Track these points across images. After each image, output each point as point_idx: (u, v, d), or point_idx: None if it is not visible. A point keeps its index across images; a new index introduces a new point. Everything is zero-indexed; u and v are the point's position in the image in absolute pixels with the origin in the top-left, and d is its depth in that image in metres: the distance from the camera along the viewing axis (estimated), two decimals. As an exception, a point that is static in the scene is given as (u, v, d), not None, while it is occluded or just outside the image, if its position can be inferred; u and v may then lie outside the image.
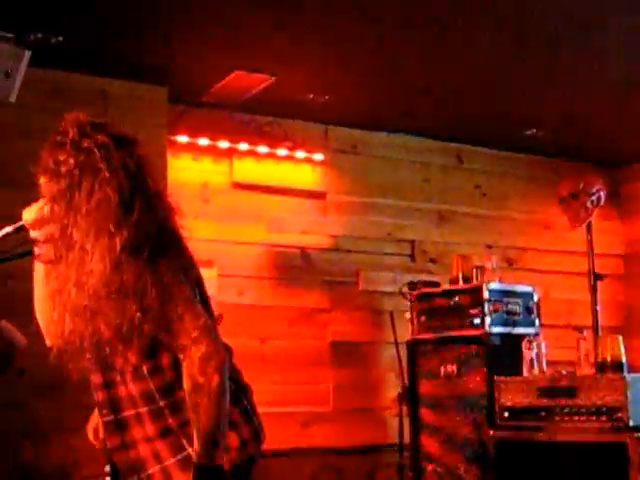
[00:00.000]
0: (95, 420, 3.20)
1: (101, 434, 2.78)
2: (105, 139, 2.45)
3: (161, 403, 2.48)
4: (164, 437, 2.49)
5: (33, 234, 2.54)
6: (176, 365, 2.43)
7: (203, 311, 2.44)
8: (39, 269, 2.62)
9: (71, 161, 2.43)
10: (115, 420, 2.55)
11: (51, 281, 2.55)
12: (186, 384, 2.35)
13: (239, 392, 2.59)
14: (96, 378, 2.57)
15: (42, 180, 2.52)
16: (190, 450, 2.41)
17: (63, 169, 2.45)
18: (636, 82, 5.92)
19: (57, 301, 2.51)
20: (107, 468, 2.98)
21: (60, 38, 4.73)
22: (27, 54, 4.56)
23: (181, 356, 2.38)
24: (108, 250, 2.33)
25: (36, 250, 2.58)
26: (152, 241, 2.40)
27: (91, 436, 3.24)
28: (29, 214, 2.53)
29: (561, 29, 5.00)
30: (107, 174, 2.40)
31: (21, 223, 2.53)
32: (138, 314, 2.35)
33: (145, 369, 2.47)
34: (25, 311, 2.73)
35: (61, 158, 2.46)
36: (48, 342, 2.63)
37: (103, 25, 4.73)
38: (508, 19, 4.81)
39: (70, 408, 4.10)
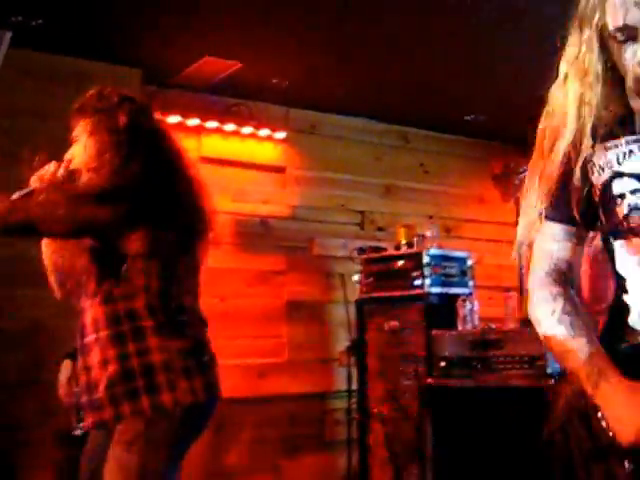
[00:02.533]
0: (66, 372, 3.26)
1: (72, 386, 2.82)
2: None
3: (125, 327, 2.44)
4: (121, 361, 2.42)
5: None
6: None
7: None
8: None
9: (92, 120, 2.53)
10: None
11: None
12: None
13: (201, 348, 2.55)
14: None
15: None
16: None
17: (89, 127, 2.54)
18: None
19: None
20: (78, 419, 2.83)
21: (40, 21, 4.50)
22: (8, 35, 4.39)
23: None
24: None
25: None
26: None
27: (62, 391, 3.26)
28: (38, 178, 2.53)
29: (496, 19, 4.82)
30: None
31: (30, 189, 2.49)
32: None
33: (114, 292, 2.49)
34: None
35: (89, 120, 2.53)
36: (58, 295, 2.67)
37: (82, 9, 4.49)
38: (447, 10, 4.65)
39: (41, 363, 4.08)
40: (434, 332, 5.21)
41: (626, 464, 1.53)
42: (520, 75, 5.69)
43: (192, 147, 5.76)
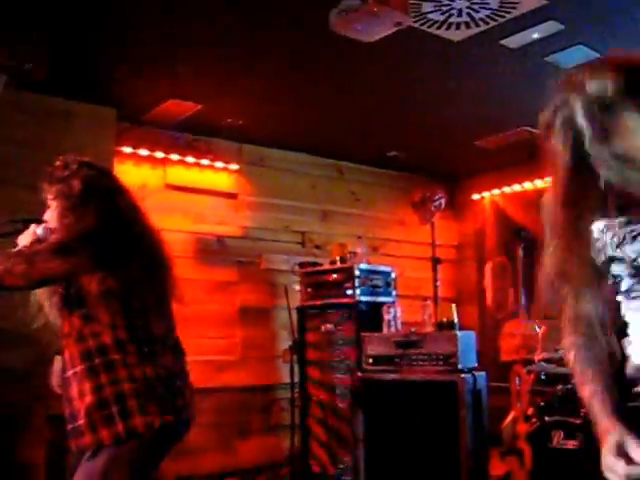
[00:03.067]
0: (57, 365, 3.16)
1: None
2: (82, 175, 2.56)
3: (96, 361, 2.40)
4: (96, 392, 2.38)
5: None
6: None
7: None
8: None
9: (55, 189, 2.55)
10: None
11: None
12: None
13: (171, 374, 2.51)
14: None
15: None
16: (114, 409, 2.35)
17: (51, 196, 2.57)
18: (465, 127, 6.17)
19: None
20: None
21: (30, 66, 4.52)
22: (3, 78, 4.50)
23: None
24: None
25: None
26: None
27: (54, 382, 3.24)
28: (24, 239, 2.52)
29: (420, 77, 5.10)
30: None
31: (18, 248, 2.50)
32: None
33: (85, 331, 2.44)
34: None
35: (52, 188, 2.56)
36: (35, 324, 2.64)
37: (67, 58, 4.61)
38: (377, 64, 4.83)
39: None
40: (363, 334, 5.30)
41: None
42: (434, 122, 6.05)
43: (159, 176, 5.97)
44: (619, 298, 1.58)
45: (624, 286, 1.55)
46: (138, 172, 5.84)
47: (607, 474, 1.41)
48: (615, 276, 1.56)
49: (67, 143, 4.85)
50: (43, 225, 2.53)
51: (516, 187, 7.37)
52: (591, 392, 1.56)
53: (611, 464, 1.40)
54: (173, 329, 2.64)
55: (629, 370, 1.59)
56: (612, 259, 1.55)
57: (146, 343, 2.48)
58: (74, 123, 5.12)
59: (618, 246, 1.53)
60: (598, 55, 4.58)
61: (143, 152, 5.83)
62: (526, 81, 5.12)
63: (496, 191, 7.60)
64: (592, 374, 1.59)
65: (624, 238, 1.52)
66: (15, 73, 4.52)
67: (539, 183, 6.95)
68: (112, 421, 2.32)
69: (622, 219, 1.52)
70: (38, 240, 2.49)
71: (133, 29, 4.26)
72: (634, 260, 1.51)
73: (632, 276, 1.52)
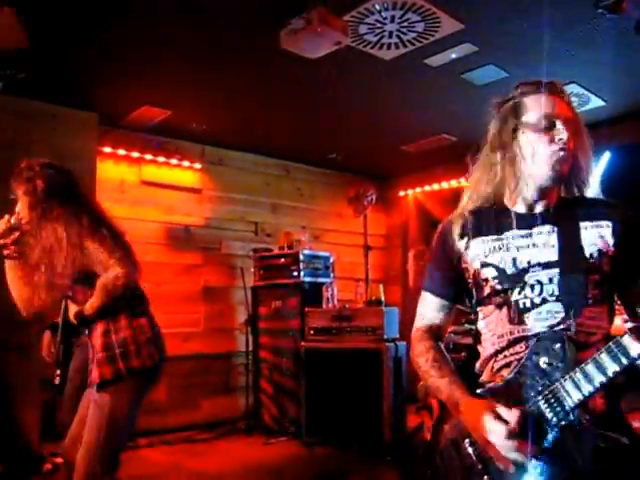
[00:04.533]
0: (47, 339, 3.43)
1: (51, 349, 2.71)
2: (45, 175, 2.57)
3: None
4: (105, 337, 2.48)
5: (3, 241, 2.53)
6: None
7: (118, 249, 2.50)
8: (9, 264, 2.58)
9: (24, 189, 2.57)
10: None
11: (20, 271, 2.55)
12: (98, 284, 2.45)
13: (153, 323, 2.64)
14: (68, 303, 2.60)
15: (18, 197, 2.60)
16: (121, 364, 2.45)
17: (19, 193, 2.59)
18: (393, 134, 6.18)
19: (28, 282, 2.52)
20: (57, 372, 2.82)
21: (23, 75, 4.49)
22: None
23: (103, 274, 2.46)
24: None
25: (5, 251, 2.55)
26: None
27: (44, 353, 3.46)
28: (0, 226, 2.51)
29: (357, 91, 5.11)
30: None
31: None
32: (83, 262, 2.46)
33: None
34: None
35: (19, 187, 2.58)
36: (24, 313, 2.59)
37: (56, 69, 4.57)
38: (320, 81, 4.78)
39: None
40: (306, 309, 5.38)
41: (485, 478, 1.54)
42: (367, 129, 6.02)
43: (135, 173, 5.88)
44: (479, 309, 1.71)
45: (486, 291, 1.66)
46: (117, 170, 5.79)
47: (490, 437, 1.46)
48: (484, 279, 1.67)
49: (54, 144, 4.75)
50: (15, 215, 2.54)
51: (435, 186, 7.41)
52: (450, 381, 1.64)
53: (492, 427, 1.46)
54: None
55: (477, 365, 1.73)
56: (484, 264, 1.67)
57: (140, 299, 2.62)
58: (60, 126, 5.00)
59: (487, 255, 1.68)
60: (506, 74, 4.66)
61: (121, 152, 5.79)
62: (445, 95, 5.17)
63: (418, 189, 7.63)
64: (448, 370, 1.68)
65: (493, 249, 1.67)
66: (7, 79, 4.44)
67: (453, 183, 7.06)
68: (114, 361, 2.44)
69: (491, 237, 1.68)
70: (10, 228, 2.50)
71: (115, 46, 4.22)
72: (498, 264, 1.65)
73: (494, 278, 1.65)
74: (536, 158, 1.62)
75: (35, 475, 4.08)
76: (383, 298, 5.27)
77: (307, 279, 5.62)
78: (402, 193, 7.87)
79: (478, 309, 1.72)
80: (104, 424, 2.41)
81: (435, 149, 6.57)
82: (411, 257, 7.06)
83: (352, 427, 4.91)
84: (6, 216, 2.52)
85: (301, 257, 5.63)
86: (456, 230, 1.74)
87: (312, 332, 5.30)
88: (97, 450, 2.39)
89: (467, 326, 4.46)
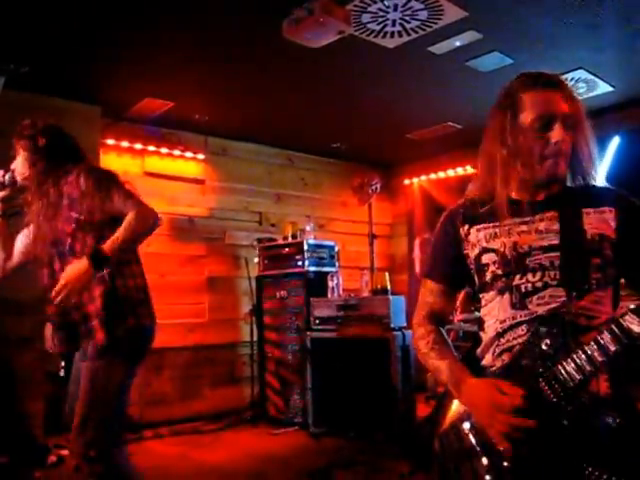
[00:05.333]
0: (48, 331, 3.16)
1: (55, 341, 2.65)
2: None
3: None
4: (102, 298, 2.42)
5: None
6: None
7: (133, 194, 2.48)
8: None
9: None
10: None
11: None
12: (125, 220, 2.39)
13: (146, 285, 2.58)
14: (56, 266, 2.51)
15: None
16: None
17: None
18: (397, 122, 6.14)
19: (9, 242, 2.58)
20: (62, 364, 2.79)
21: (27, 68, 4.52)
22: (2, 80, 4.47)
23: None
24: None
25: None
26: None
27: (47, 345, 3.24)
28: None
29: (360, 82, 5.12)
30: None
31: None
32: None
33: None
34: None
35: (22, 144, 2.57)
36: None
37: (59, 63, 4.57)
38: (323, 70, 4.83)
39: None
40: (311, 299, 5.36)
41: (484, 460, 1.55)
42: (371, 118, 6.00)
43: (138, 165, 5.86)
44: (481, 295, 1.72)
45: (488, 277, 1.67)
46: (120, 161, 5.77)
47: (494, 412, 1.49)
48: (485, 265, 1.68)
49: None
50: (10, 172, 2.51)
51: (440, 174, 7.38)
52: (450, 362, 1.68)
53: (497, 401, 1.50)
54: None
55: (479, 350, 1.74)
56: (485, 250, 1.68)
57: (136, 259, 2.56)
58: (64, 120, 4.68)
59: (488, 241, 1.69)
60: (511, 61, 4.62)
61: (124, 144, 5.79)
62: (449, 83, 5.16)
63: (423, 177, 7.59)
64: (448, 352, 1.73)
65: (494, 235, 1.68)
66: (10, 73, 4.43)
67: (459, 171, 7.04)
68: (112, 323, 2.38)
69: (492, 224, 1.69)
70: (2, 184, 2.47)
71: (117, 39, 4.21)
72: (499, 249, 1.66)
73: (495, 263, 1.65)
74: (532, 159, 1.62)
75: (39, 467, 4.06)
76: (389, 286, 5.25)
77: (312, 268, 5.60)
78: (407, 181, 7.84)
79: (480, 295, 1.72)
80: (94, 390, 2.36)
81: (440, 137, 6.57)
82: (417, 245, 7.05)
83: (360, 417, 4.90)
84: (0, 171, 2.49)
85: (305, 246, 5.61)
86: (457, 218, 1.75)
87: (317, 322, 5.28)
88: (89, 417, 2.34)
89: (477, 314, 4.44)
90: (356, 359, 4.96)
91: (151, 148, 5.99)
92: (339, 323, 5.15)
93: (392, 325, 4.88)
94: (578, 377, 1.46)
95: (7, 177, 2.49)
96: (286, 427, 5.38)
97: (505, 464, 1.51)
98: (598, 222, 1.60)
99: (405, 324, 5.05)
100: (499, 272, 1.65)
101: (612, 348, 1.42)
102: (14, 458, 4.05)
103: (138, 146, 5.90)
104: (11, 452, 4.09)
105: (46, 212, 2.48)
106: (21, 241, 2.68)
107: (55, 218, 2.49)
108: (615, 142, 5.52)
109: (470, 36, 4.31)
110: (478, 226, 1.71)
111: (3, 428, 4.19)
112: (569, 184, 1.69)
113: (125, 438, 2.53)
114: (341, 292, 5.47)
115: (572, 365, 1.47)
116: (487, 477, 1.53)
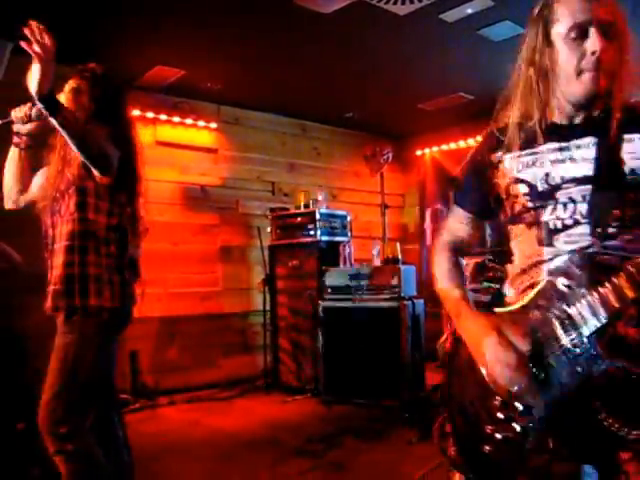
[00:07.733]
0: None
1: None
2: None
3: (76, 243, 2.35)
4: (67, 268, 2.33)
5: (17, 127, 2.43)
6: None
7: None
8: (14, 152, 2.50)
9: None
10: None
11: (22, 161, 2.49)
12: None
13: (131, 271, 2.47)
14: (48, 220, 2.46)
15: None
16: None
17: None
18: (409, 92, 6.08)
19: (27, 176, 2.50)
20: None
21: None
22: (10, 45, 4.36)
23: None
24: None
25: (15, 139, 2.45)
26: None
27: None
28: (18, 112, 2.35)
29: (374, 49, 5.03)
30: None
31: (9, 119, 2.36)
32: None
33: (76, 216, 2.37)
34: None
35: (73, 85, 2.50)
36: (7, 205, 2.52)
37: (67, 28, 4.30)
38: (335, 37, 4.79)
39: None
40: (323, 268, 5.35)
41: (496, 399, 1.51)
42: (383, 87, 5.96)
43: (149, 134, 5.80)
44: (509, 227, 1.63)
45: (517, 208, 1.57)
46: None
47: (492, 364, 1.46)
48: (515, 195, 1.57)
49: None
50: (36, 107, 2.30)
51: (452, 145, 7.32)
52: (459, 293, 1.66)
53: (498, 356, 1.46)
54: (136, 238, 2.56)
55: (505, 285, 1.66)
56: (516, 180, 1.57)
57: (120, 243, 2.44)
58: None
59: (520, 170, 1.57)
60: (522, 30, 4.58)
61: (136, 112, 5.57)
62: (461, 52, 5.08)
63: (435, 148, 7.54)
64: (459, 282, 1.69)
65: (526, 164, 1.56)
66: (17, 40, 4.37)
67: (471, 142, 6.92)
68: (72, 296, 2.30)
69: (526, 151, 1.56)
70: (29, 117, 2.33)
71: (126, 6, 4.16)
72: (530, 181, 1.55)
73: (525, 194, 1.55)
74: (568, 75, 1.46)
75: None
76: (400, 256, 5.25)
77: (324, 238, 5.59)
78: (419, 152, 7.78)
79: (509, 227, 1.62)
80: (63, 366, 2.27)
81: (452, 108, 6.53)
82: (428, 215, 7.01)
83: (370, 385, 4.91)
84: (29, 104, 2.34)
85: (318, 216, 5.59)
86: (490, 144, 1.63)
87: (330, 290, 5.27)
88: (58, 393, 2.26)
89: (486, 284, 4.39)
90: (367, 328, 4.96)
91: (163, 117, 5.94)
92: (352, 292, 5.14)
93: (403, 294, 4.89)
94: (594, 323, 1.35)
95: (34, 111, 2.34)
96: (298, 395, 5.39)
97: (517, 405, 1.45)
98: None
99: (415, 293, 5.05)
100: (529, 205, 1.54)
101: (629, 294, 1.29)
102: (30, 425, 4.05)
103: (150, 115, 5.84)
104: (27, 419, 4.07)
105: (62, 161, 2.42)
106: (40, 178, 2.58)
107: (63, 171, 2.42)
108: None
109: (481, 3, 4.23)
110: (510, 154, 1.58)
111: (18, 394, 4.15)
112: (610, 103, 1.48)
113: (99, 416, 2.41)
114: (353, 261, 5.48)
115: (587, 309, 1.36)
116: (499, 414, 1.49)
